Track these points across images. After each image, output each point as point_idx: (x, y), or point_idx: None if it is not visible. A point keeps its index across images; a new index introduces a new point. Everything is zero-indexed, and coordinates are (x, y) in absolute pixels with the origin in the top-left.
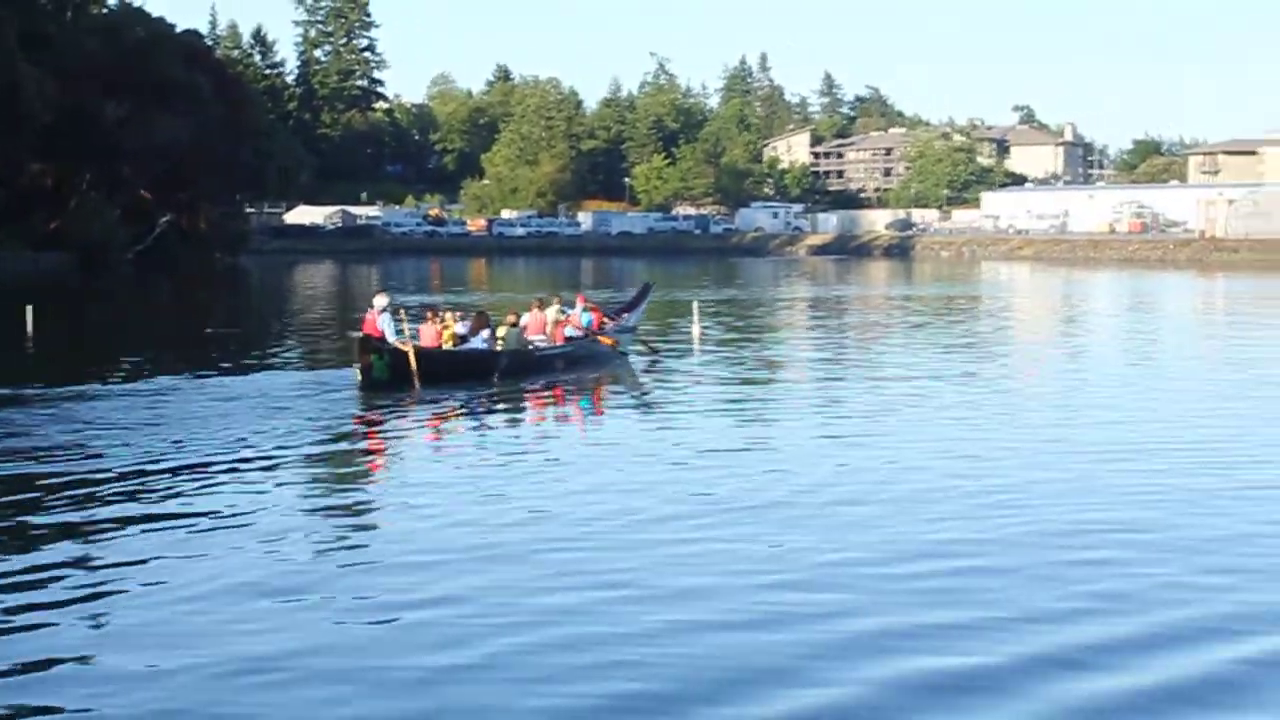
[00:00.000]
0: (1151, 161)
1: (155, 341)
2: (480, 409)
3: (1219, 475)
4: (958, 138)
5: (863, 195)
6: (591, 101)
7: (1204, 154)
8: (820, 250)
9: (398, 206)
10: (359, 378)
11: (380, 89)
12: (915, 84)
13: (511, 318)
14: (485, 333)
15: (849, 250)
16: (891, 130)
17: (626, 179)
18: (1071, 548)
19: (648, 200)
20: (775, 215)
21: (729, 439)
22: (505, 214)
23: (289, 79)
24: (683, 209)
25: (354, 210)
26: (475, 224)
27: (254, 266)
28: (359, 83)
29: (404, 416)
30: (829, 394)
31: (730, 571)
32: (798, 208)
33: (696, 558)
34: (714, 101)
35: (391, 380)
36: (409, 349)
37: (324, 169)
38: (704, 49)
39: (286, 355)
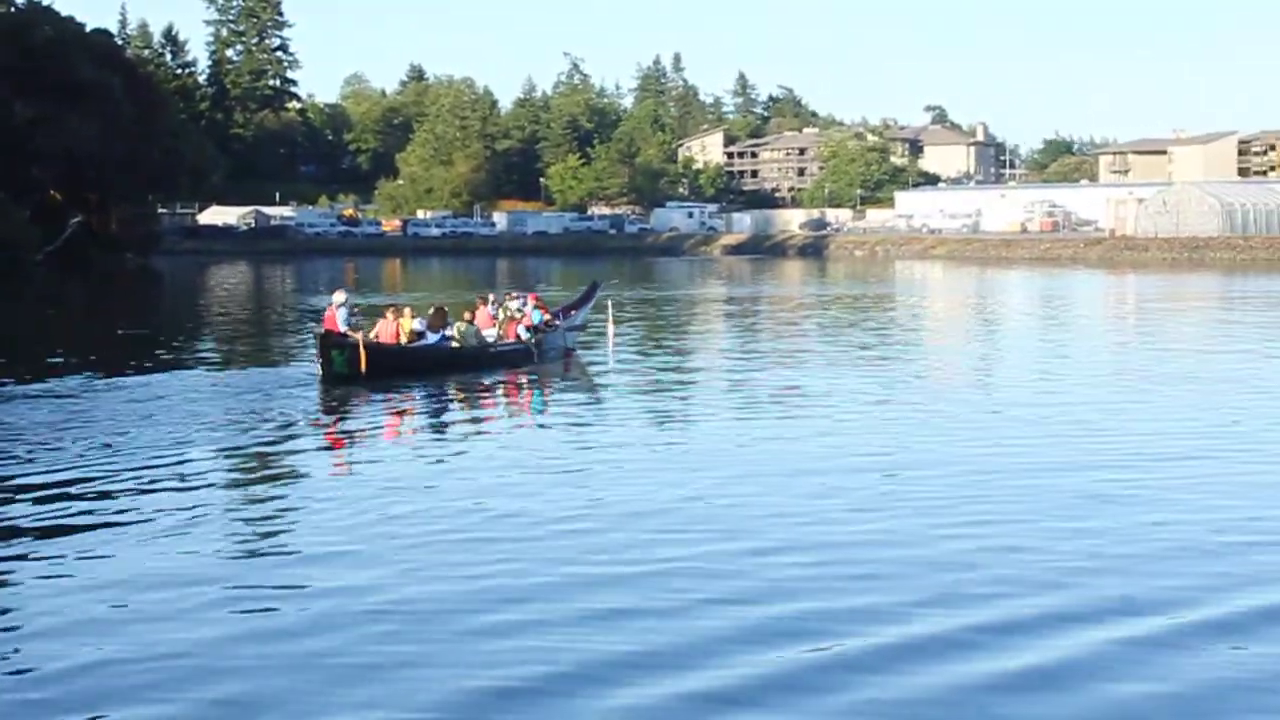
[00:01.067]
0: (1063, 161)
1: (67, 342)
2: (431, 404)
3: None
4: (871, 137)
5: (777, 195)
6: (506, 101)
7: (1114, 153)
8: (735, 250)
9: (311, 207)
10: (319, 372)
11: (293, 89)
12: (828, 84)
13: (468, 315)
14: (445, 329)
15: (764, 250)
16: (805, 130)
17: (542, 179)
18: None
19: (563, 200)
20: (690, 215)
21: (641, 440)
22: (420, 214)
23: (201, 79)
24: (598, 209)
25: (267, 211)
26: (390, 224)
27: (166, 267)
28: (271, 82)
29: (351, 412)
30: (741, 394)
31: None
32: (712, 207)
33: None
34: (628, 101)
35: (351, 375)
36: (358, 340)
37: (237, 169)
38: (618, 49)
39: (200, 355)
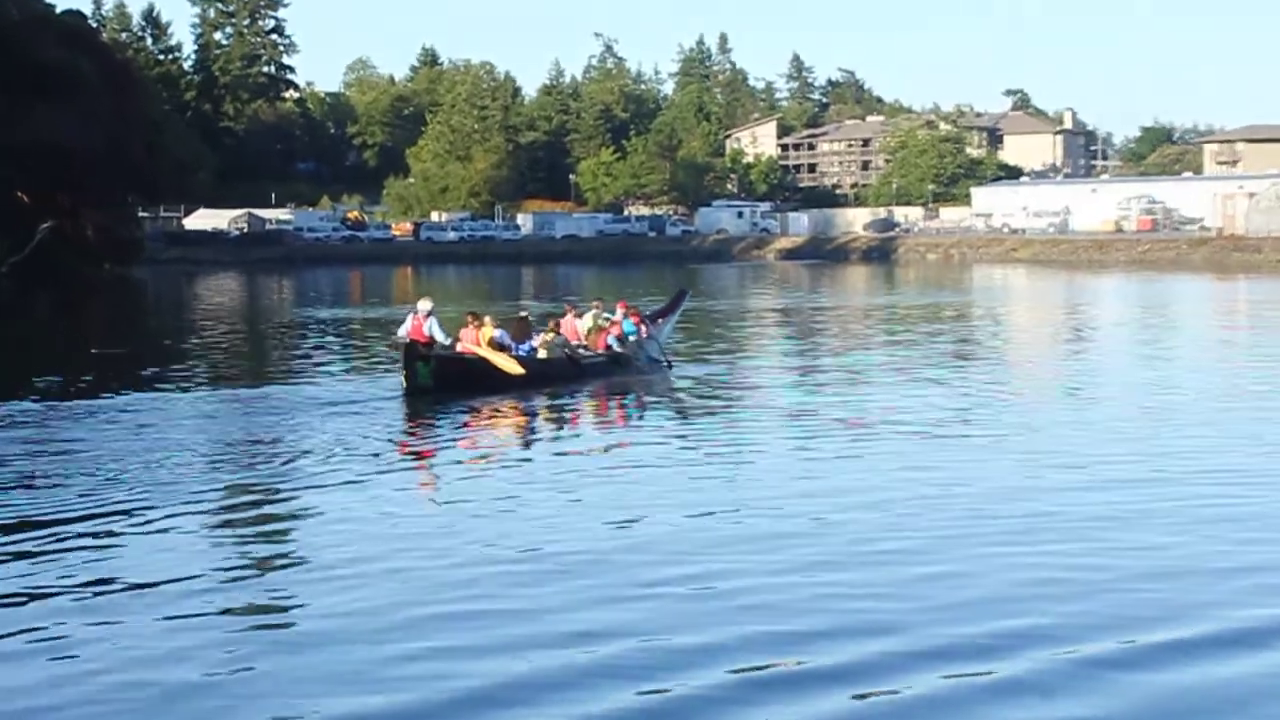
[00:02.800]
0: (1162, 151)
1: (35, 363)
2: (519, 421)
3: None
4: (944, 126)
5: (838, 192)
6: (530, 89)
7: (1221, 142)
8: (791, 254)
9: (311, 209)
10: (403, 385)
11: (290, 76)
12: (895, 66)
13: (553, 325)
14: (533, 340)
15: (824, 254)
16: (869, 119)
17: (571, 176)
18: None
19: (595, 200)
20: (740, 215)
21: (735, 462)
22: (434, 217)
23: (186, 65)
24: (635, 209)
25: (261, 214)
26: (400, 228)
27: (148, 278)
28: (265, 69)
29: (435, 429)
30: (802, 422)
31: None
32: (765, 207)
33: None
34: (669, 88)
35: (436, 387)
36: (482, 351)
37: (227, 167)
38: (656, 28)
39: (184, 377)
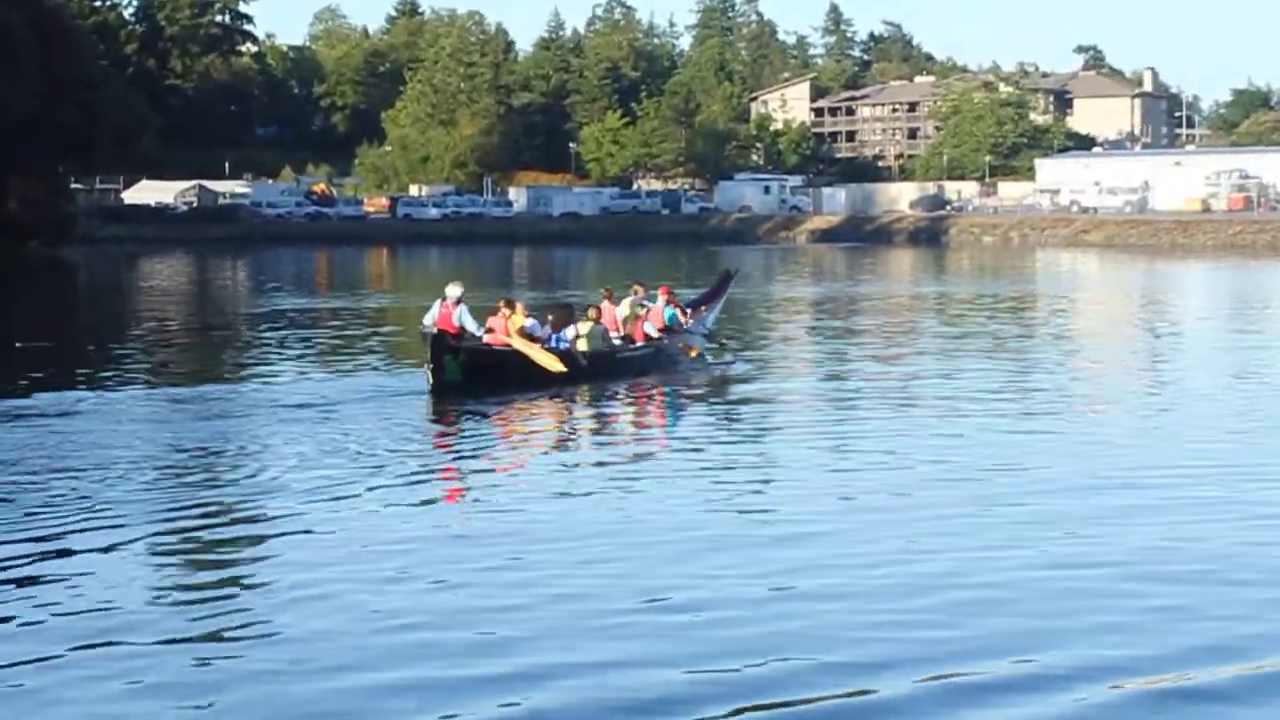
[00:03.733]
0: (1257, 118)
1: None
2: (555, 419)
3: None
4: (1004, 88)
5: (881, 164)
6: (525, 43)
7: None
8: (826, 236)
9: (271, 181)
10: (430, 380)
11: (247, 27)
12: (947, 18)
13: (594, 313)
14: (570, 330)
15: (863, 236)
16: (917, 79)
17: (572, 144)
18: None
19: (599, 172)
20: (767, 191)
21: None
22: (414, 190)
23: (126, 14)
24: (646, 183)
25: (215, 186)
26: (374, 203)
27: (82, 259)
28: (219, 19)
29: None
30: (837, 431)
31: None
32: (796, 180)
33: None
34: (685, 42)
35: (465, 383)
36: (519, 343)
37: (174, 132)
38: None
39: (122, 376)
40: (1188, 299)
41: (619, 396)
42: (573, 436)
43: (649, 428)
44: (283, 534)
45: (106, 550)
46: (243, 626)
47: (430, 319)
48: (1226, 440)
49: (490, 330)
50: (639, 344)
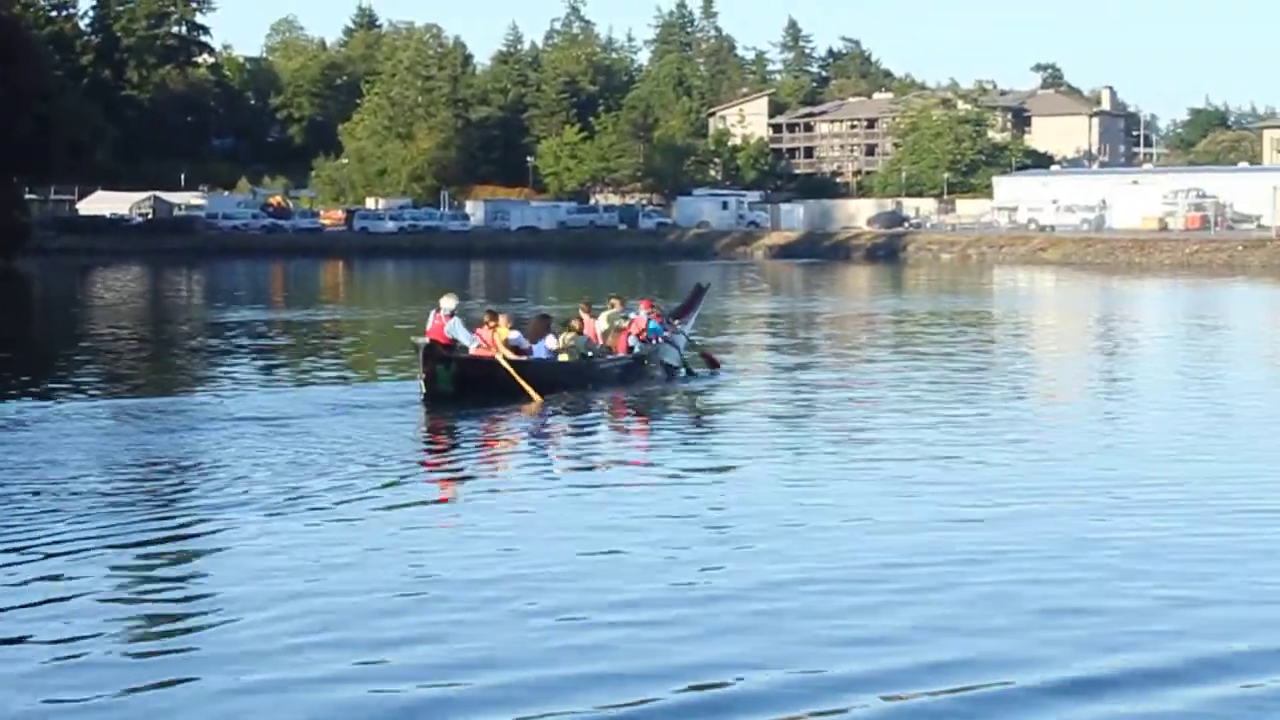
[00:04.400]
0: (1214, 137)
1: None
2: (540, 430)
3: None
4: (962, 106)
5: (839, 180)
6: (483, 56)
7: None
8: (783, 252)
9: (228, 193)
10: (422, 390)
11: (204, 38)
12: (905, 35)
13: (576, 324)
14: (550, 339)
15: (820, 252)
16: (875, 96)
17: (529, 158)
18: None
19: (557, 186)
20: (724, 206)
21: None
22: (370, 203)
23: (82, 24)
24: (603, 197)
25: (169, 197)
26: (330, 216)
27: (36, 271)
28: (175, 29)
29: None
30: (797, 442)
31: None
32: (754, 196)
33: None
34: (644, 57)
35: (457, 393)
36: (499, 356)
37: (129, 143)
38: None
39: (75, 387)
40: (1145, 316)
41: (600, 407)
42: (551, 447)
43: (628, 437)
44: (243, 547)
45: (57, 570)
46: (195, 644)
47: (427, 330)
48: (1181, 452)
49: (480, 342)
50: (619, 355)
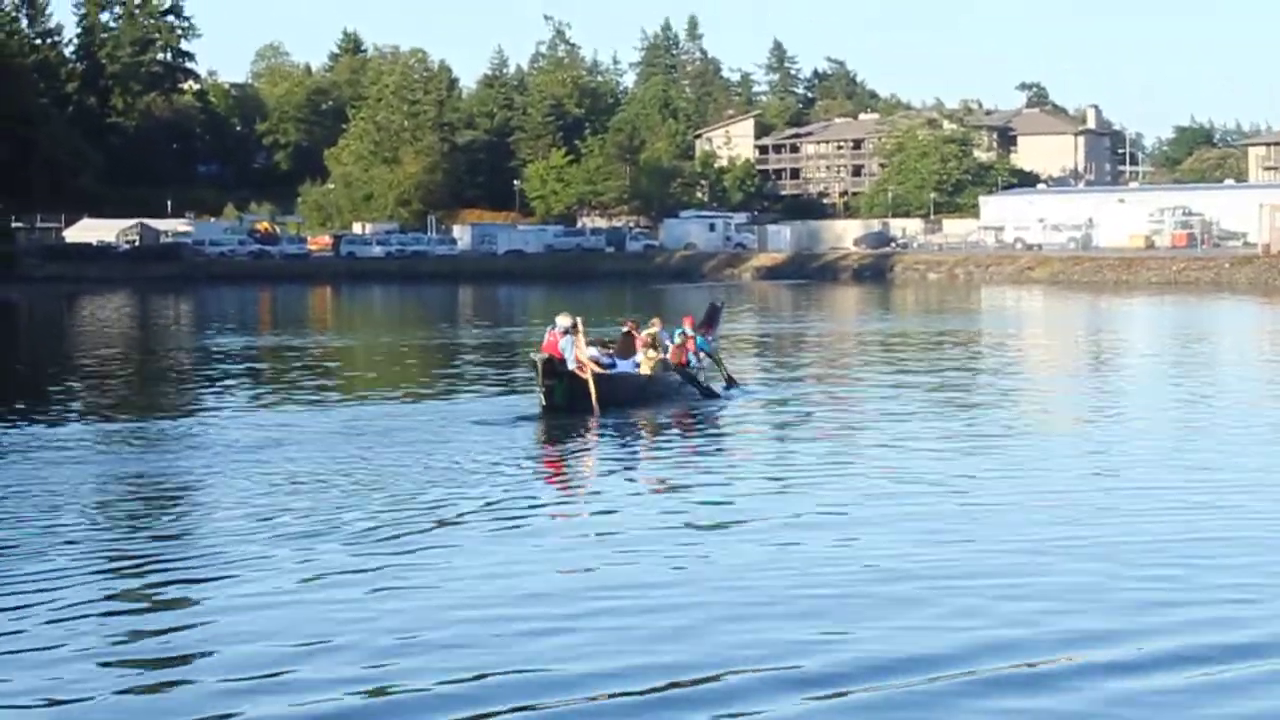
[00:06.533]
0: (1200, 155)
1: None
2: (638, 439)
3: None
4: (948, 126)
5: (825, 201)
6: (469, 80)
7: (1268, 144)
8: (771, 273)
9: (214, 219)
10: (541, 403)
11: (189, 64)
12: (891, 56)
13: (647, 339)
14: (638, 355)
15: (808, 273)
16: (861, 117)
17: (516, 182)
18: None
19: (544, 209)
20: (711, 228)
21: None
22: (357, 228)
23: (67, 52)
24: (590, 220)
25: (156, 224)
26: (318, 242)
27: (22, 299)
28: (160, 56)
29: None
30: (781, 460)
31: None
32: (740, 218)
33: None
34: (629, 80)
35: (570, 405)
36: (588, 374)
37: (116, 169)
38: (616, 11)
39: (59, 413)
40: (1132, 335)
41: (667, 420)
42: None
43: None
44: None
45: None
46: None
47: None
48: (1170, 471)
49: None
50: (683, 368)
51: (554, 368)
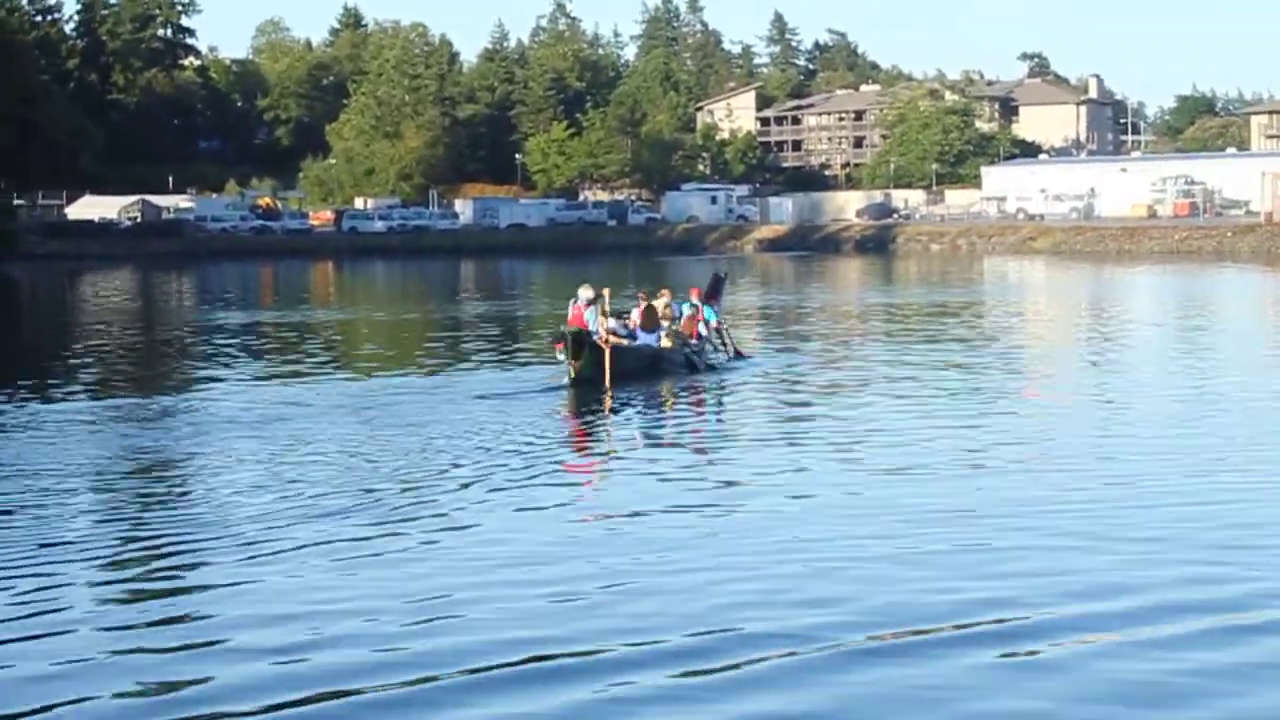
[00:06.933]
0: (1202, 124)
1: None
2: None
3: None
4: (950, 96)
5: (827, 173)
6: (470, 54)
7: (1270, 113)
8: (773, 245)
9: (216, 195)
10: (570, 375)
11: (190, 40)
12: (892, 27)
13: (668, 311)
14: (663, 327)
15: (810, 245)
16: (863, 88)
17: (518, 155)
18: None
19: (546, 183)
20: (713, 200)
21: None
22: (359, 203)
23: (68, 28)
24: (592, 194)
25: (158, 201)
26: (319, 217)
27: (24, 276)
28: (161, 32)
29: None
30: (786, 434)
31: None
32: (742, 190)
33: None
34: (630, 53)
35: (594, 377)
36: (606, 347)
37: (116, 146)
38: None
39: (62, 390)
40: (1135, 304)
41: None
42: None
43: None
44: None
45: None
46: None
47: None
48: (1177, 440)
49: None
50: (696, 341)
51: (582, 339)
